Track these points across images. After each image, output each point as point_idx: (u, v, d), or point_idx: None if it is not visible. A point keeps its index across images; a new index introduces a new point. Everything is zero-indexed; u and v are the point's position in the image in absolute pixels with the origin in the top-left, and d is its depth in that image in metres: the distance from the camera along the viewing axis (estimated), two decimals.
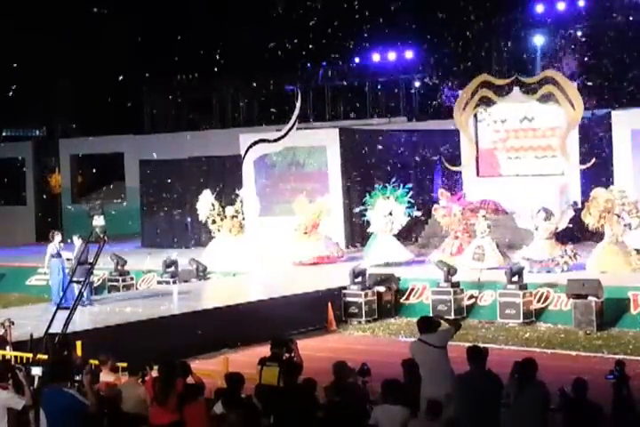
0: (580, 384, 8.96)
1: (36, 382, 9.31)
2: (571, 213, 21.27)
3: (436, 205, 23.33)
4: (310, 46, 32.94)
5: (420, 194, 26.08)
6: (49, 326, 11.49)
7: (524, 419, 8.90)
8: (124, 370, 10.72)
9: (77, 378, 9.14)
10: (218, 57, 34.44)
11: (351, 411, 9.10)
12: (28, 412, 9.18)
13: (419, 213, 23.90)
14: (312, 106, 34.83)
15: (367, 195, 23.60)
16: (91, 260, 13.18)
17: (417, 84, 33.28)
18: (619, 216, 20.40)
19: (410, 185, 23.95)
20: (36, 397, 9.05)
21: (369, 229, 23.53)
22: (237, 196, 25.84)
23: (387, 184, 23.52)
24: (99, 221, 14.24)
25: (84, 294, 15.66)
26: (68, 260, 19.09)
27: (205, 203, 25.30)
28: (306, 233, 23.85)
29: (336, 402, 9.25)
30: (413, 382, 9.95)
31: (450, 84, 28.09)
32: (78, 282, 14.51)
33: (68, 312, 11.61)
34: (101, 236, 12.76)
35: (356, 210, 24.21)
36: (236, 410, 8.65)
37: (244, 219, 25.46)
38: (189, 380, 9.77)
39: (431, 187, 27.81)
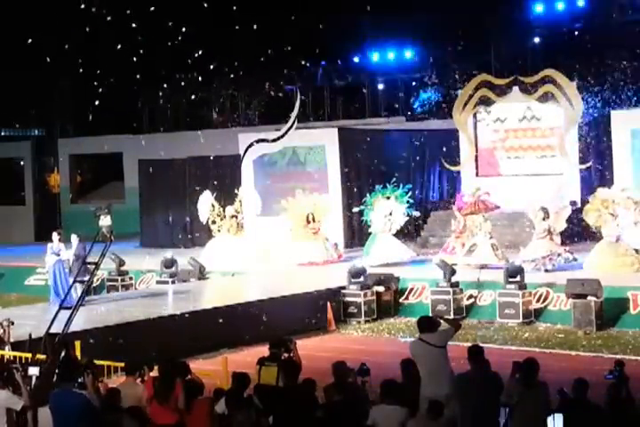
0: (580, 384, 8.94)
1: (33, 383, 9.29)
2: (566, 214, 21.26)
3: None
4: (309, 46, 32.89)
5: (419, 194, 26.06)
6: (50, 326, 11.46)
7: (529, 419, 8.88)
8: (122, 370, 10.70)
9: (80, 380, 9.12)
10: (217, 56, 34.39)
11: (350, 411, 9.08)
12: (26, 412, 9.17)
13: (417, 214, 23.89)
14: (311, 105, 34.80)
15: (368, 195, 23.58)
16: (90, 260, 13.16)
17: (416, 83, 33.25)
18: (613, 215, 20.38)
19: (410, 185, 23.95)
20: (35, 397, 9.04)
21: (370, 229, 23.53)
22: (237, 195, 25.84)
23: (387, 184, 23.51)
24: (105, 220, 14.17)
25: (78, 294, 15.66)
26: (66, 259, 19.12)
27: (205, 204, 25.30)
28: (315, 233, 23.80)
29: (335, 402, 9.24)
30: (412, 381, 9.93)
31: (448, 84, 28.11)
32: (82, 282, 14.50)
33: (67, 312, 11.59)
34: (108, 235, 12.73)
35: (355, 209, 24.21)
36: (241, 411, 8.65)
37: (243, 218, 25.45)
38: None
39: (430, 187, 27.79)
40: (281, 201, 24.66)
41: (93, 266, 12.88)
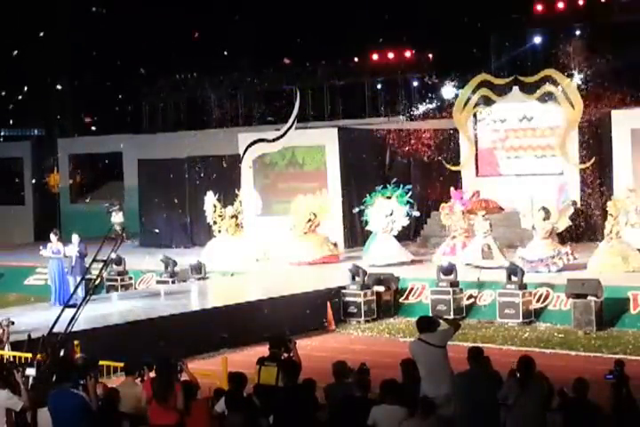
0: (580, 384, 8.93)
1: (30, 383, 9.28)
2: (569, 213, 21.28)
3: (443, 204, 23.33)
4: (309, 45, 32.88)
5: (419, 194, 26.02)
6: (53, 325, 11.41)
7: (528, 418, 8.85)
8: (122, 370, 10.68)
9: (81, 382, 9.10)
10: (216, 56, 34.37)
11: (350, 411, 9.07)
12: (25, 413, 9.16)
13: (417, 214, 23.86)
14: (311, 105, 34.79)
15: (368, 195, 23.57)
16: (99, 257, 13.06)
17: (416, 83, 33.24)
18: (612, 216, 20.38)
19: (410, 185, 23.92)
20: (33, 398, 9.02)
21: (368, 228, 23.54)
22: (237, 196, 25.84)
23: (387, 184, 23.49)
24: (117, 217, 14.04)
25: (80, 293, 15.65)
26: (67, 257, 19.15)
27: (209, 205, 25.34)
28: (305, 233, 23.84)
29: (335, 402, 9.23)
30: (412, 381, 9.92)
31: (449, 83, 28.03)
32: (89, 280, 14.47)
33: (68, 311, 11.53)
34: (120, 232, 12.70)
35: (355, 210, 24.19)
36: (238, 412, 8.64)
37: (243, 219, 25.45)
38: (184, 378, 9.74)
39: (430, 187, 27.75)
40: (298, 195, 24.64)
41: (101, 264, 12.80)
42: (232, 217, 25.12)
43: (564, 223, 21.07)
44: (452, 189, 24.06)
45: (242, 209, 25.57)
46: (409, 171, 27.40)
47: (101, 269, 12.97)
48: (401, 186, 23.39)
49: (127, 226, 26.26)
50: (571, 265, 20.49)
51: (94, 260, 13.25)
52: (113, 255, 21.61)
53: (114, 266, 22.70)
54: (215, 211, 25.21)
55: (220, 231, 25.18)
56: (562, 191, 22.21)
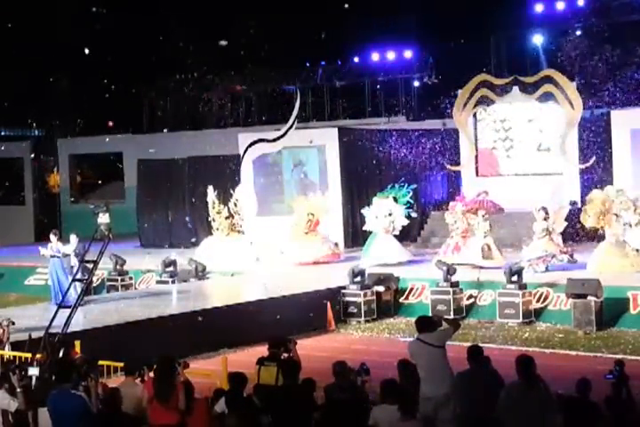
0: (583, 384, 8.93)
1: (33, 383, 9.27)
2: (564, 214, 21.26)
3: (451, 203, 23.33)
4: (309, 46, 32.91)
5: (419, 194, 26.04)
6: (49, 326, 11.44)
7: (529, 418, 8.83)
8: (122, 370, 10.69)
9: (82, 383, 9.10)
10: (216, 56, 34.40)
11: (350, 411, 9.07)
12: (23, 414, 9.15)
13: (415, 215, 23.84)
14: (311, 105, 34.82)
15: (377, 194, 23.54)
16: (89, 258, 13.10)
17: (416, 83, 33.28)
18: (617, 215, 20.35)
19: (414, 185, 23.92)
20: (34, 398, 9.01)
21: (364, 228, 23.52)
22: (233, 196, 25.82)
23: (394, 184, 23.48)
24: (104, 218, 14.14)
25: (73, 293, 15.64)
26: (65, 256, 19.16)
27: (210, 200, 25.32)
28: (307, 233, 23.82)
29: (335, 402, 9.23)
30: (410, 382, 9.91)
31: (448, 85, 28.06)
32: (80, 280, 14.48)
33: (67, 311, 11.56)
34: (106, 233, 12.75)
35: (365, 209, 23.95)
36: (236, 412, 8.63)
37: (239, 219, 25.39)
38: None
39: (430, 187, 27.76)
40: (298, 196, 24.61)
41: (92, 265, 12.82)
42: (227, 218, 25.05)
43: (560, 224, 21.05)
44: (461, 190, 24.07)
45: (237, 210, 25.45)
46: (409, 171, 27.38)
47: (92, 269, 13.00)
48: (405, 186, 23.38)
49: (114, 228, 26.22)
50: (569, 266, 20.48)
51: (84, 261, 13.30)
52: (110, 256, 21.97)
53: (117, 266, 22.72)
54: (214, 207, 25.17)
55: (217, 229, 25.13)
56: (556, 193, 22.23)
